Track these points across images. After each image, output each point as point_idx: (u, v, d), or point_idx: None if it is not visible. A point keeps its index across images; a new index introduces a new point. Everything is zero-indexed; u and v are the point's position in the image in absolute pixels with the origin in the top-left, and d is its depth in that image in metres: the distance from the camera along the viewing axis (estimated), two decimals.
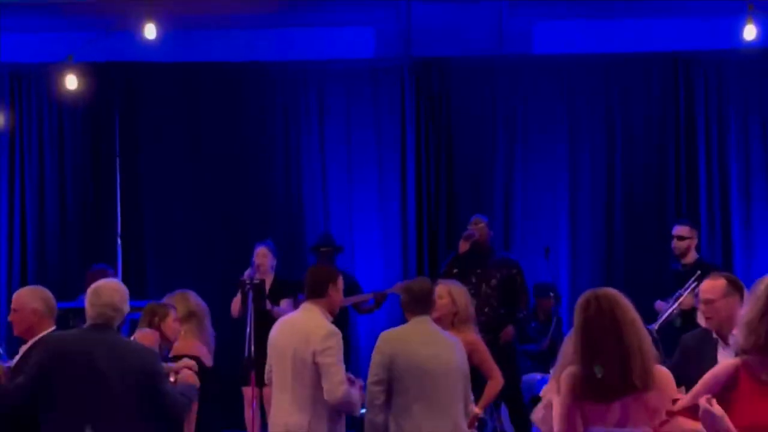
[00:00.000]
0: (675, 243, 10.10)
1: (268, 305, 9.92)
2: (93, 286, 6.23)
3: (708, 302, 6.15)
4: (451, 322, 7.45)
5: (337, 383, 6.60)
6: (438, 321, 7.14)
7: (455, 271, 10.24)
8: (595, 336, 4.66)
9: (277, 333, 6.95)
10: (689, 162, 11.76)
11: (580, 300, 4.77)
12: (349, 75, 12.04)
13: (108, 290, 6.16)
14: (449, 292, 7.57)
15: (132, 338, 6.78)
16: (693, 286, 9.28)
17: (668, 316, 9.44)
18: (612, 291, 4.78)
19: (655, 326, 9.22)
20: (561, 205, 11.83)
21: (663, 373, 4.76)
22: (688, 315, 9.32)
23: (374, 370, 6.61)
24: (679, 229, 10.16)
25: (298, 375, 6.70)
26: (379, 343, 6.68)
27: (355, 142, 12.00)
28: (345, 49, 12.16)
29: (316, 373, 6.63)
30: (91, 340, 6.03)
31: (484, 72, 11.98)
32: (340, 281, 6.97)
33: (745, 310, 4.65)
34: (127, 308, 6.18)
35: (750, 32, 10.55)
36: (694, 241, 10.18)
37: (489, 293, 10.24)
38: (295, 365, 6.70)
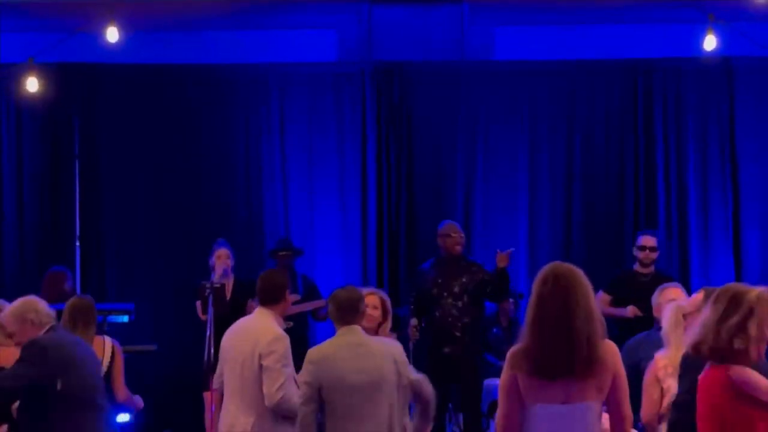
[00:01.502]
0: (647, 253, 10.26)
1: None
2: (38, 299, 6.78)
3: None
4: (375, 331, 7.33)
5: (275, 388, 6.77)
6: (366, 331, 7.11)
7: (422, 286, 10.25)
8: (546, 315, 4.63)
9: (229, 338, 7.12)
10: (648, 170, 11.83)
11: (540, 273, 4.74)
12: (311, 78, 12.02)
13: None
14: (382, 302, 7.55)
15: None
16: None
17: None
18: (571, 270, 4.72)
19: None
20: (521, 211, 11.86)
21: (609, 350, 4.72)
22: None
23: (302, 390, 6.44)
24: (651, 240, 10.36)
25: (246, 378, 6.89)
26: (306, 363, 6.45)
27: (316, 145, 11.98)
28: (307, 52, 12.15)
29: (261, 375, 6.82)
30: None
31: (445, 77, 12.00)
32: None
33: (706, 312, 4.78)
34: None
35: (710, 43, 10.61)
36: (658, 252, 10.41)
37: (451, 303, 10.19)
38: (244, 369, 6.88)
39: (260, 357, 6.81)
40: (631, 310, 10.06)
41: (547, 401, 4.67)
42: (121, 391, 7.98)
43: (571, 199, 11.88)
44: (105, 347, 7.89)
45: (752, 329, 4.72)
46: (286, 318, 10.07)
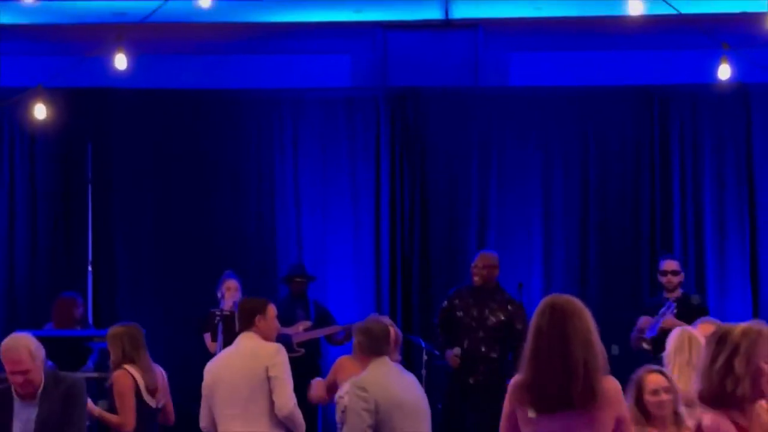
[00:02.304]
0: (670, 278, 10.17)
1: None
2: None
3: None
4: None
5: (287, 397, 6.95)
6: None
7: (452, 310, 10.17)
8: (543, 346, 4.59)
9: (217, 368, 7.18)
10: (664, 196, 11.74)
11: (539, 305, 4.70)
12: (324, 103, 11.97)
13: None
14: (395, 333, 7.51)
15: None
16: (673, 307, 9.53)
17: (657, 332, 9.54)
18: (570, 301, 4.67)
19: (652, 335, 9.38)
20: (535, 238, 11.76)
21: (612, 387, 4.64)
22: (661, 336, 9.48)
23: (361, 419, 6.40)
24: (673, 264, 10.30)
25: (252, 396, 6.95)
26: (357, 391, 6.48)
27: (330, 170, 11.92)
28: (320, 77, 12.12)
29: (264, 388, 6.94)
30: None
31: (459, 103, 11.94)
32: (270, 310, 7.24)
33: (702, 357, 4.60)
34: None
35: (725, 72, 10.50)
36: (683, 275, 10.32)
37: (482, 336, 10.08)
38: (250, 386, 6.96)
39: (267, 369, 6.94)
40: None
41: None
42: (172, 415, 8.05)
43: (586, 225, 11.79)
44: (162, 375, 7.86)
45: (738, 367, 4.41)
46: (298, 345, 10.06)
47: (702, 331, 6.93)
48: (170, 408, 7.99)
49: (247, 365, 6.99)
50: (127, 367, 7.53)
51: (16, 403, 6.52)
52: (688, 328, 6.87)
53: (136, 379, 7.51)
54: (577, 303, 4.67)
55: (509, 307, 10.17)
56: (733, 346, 4.43)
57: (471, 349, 10.01)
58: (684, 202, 11.74)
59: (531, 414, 4.61)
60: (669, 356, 6.68)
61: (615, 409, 4.61)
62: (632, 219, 11.75)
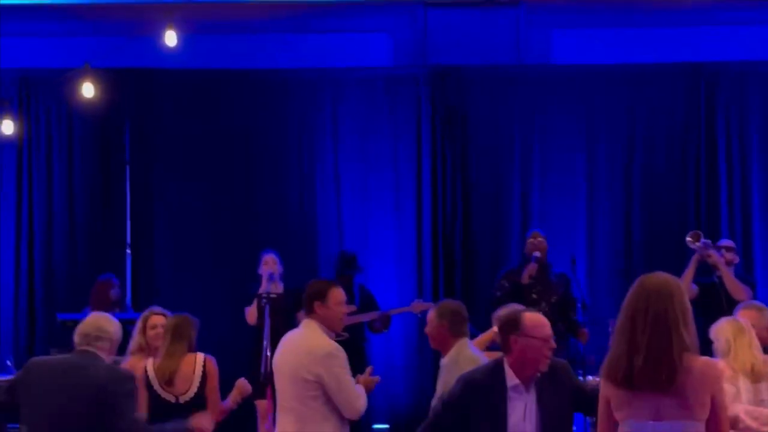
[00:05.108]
0: (731, 255, 9.99)
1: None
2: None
3: None
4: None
5: (354, 398, 6.50)
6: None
7: (507, 285, 10.11)
8: (630, 324, 4.52)
9: (279, 354, 6.78)
10: (710, 174, 11.56)
11: (636, 281, 4.61)
12: (365, 82, 11.84)
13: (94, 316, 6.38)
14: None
15: None
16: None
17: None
18: (664, 279, 4.56)
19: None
20: (579, 218, 11.62)
21: (704, 368, 4.52)
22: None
23: None
24: (730, 242, 10.14)
25: (297, 393, 6.54)
26: None
27: (370, 150, 11.80)
28: (361, 56, 11.99)
29: (317, 390, 6.46)
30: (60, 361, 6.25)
31: (501, 81, 11.79)
32: (334, 295, 6.65)
33: None
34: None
35: None
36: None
37: (547, 311, 10.00)
38: (295, 383, 6.53)
39: (318, 376, 6.45)
40: None
41: (637, 417, 4.52)
42: (216, 413, 7.27)
43: (630, 205, 11.62)
44: (199, 366, 7.18)
45: None
46: (343, 329, 9.91)
47: (744, 316, 7.08)
48: (212, 404, 7.21)
49: (295, 361, 6.54)
50: (146, 359, 7.23)
51: None
52: (735, 317, 6.97)
53: (147, 370, 7.05)
54: (672, 282, 4.58)
55: (564, 277, 10.38)
56: None
57: None
58: (730, 180, 11.57)
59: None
60: (727, 342, 6.74)
61: (708, 390, 4.52)
62: (678, 199, 11.60)
